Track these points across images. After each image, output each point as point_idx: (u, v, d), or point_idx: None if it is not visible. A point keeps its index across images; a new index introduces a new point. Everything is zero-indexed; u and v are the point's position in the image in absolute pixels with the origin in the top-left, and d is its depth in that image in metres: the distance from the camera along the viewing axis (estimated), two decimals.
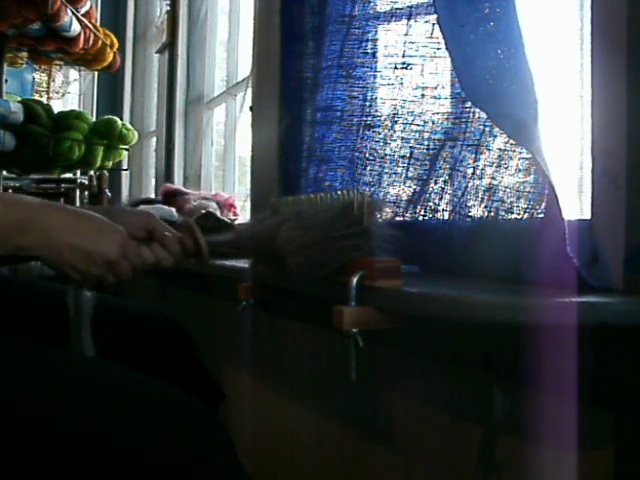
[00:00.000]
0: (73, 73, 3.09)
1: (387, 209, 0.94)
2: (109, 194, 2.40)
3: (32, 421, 0.62)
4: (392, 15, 0.95)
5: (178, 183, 2.37)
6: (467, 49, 0.71)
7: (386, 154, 0.96)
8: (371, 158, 0.98)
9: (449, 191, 0.86)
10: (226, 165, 2.22)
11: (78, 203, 2.39)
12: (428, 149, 0.90)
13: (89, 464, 0.62)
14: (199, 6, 2.41)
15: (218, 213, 1.56)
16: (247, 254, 0.91)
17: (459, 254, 0.83)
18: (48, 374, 0.67)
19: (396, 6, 0.94)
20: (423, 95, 0.91)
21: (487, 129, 0.81)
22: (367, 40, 0.99)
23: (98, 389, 0.67)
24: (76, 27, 2.11)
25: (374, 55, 0.99)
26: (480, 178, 0.82)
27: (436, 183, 0.88)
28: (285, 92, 1.24)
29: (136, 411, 0.66)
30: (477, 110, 0.83)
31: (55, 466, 0.62)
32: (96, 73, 3.12)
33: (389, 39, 0.95)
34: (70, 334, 0.82)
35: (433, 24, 0.89)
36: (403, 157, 0.93)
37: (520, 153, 0.77)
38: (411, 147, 0.92)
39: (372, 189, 0.97)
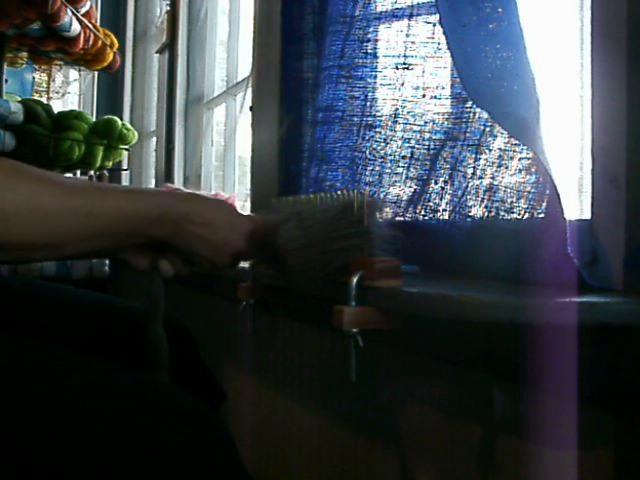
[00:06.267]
0: (73, 73, 3.09)
1: (387, 209, 0.94)
2: None
3: (32, 420, 0.62)
4: (393, 15, 0.95)
5: (178, 183, 2.37)
6: (469, 49, 0.71)
7: (387, 154, 0.96)
8: (372, 158, 0.98)
9: (449, 191, 0.86)
10: (226, 165, 2.22)
11: None
12: (428, 149, 0.90)
13: (87, 463, 0.62)
14: (199, 6, 2.41)
15: None
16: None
17: (459, 254, 0.83)
18: (47, 373, 0.67)
19: (397, 6, 0.94)
20: (424, 95, 0.91)
21: (487, 129, 0.82)
22: (368, 40, 0.99)
23: (98, 387, 0.67)
24: (76, 27, 2.11)
25: (375, 55, 0.99)
26: (480, 178, 0.82)
27: (436, 183, 0.88)
28: (285, 92, 1.24)
29: (136, 410, 0.66)
30: (477, 110, 0.83)
31: (54, 465, 0.62)
32: (96, 73, 3.12)
33: (390, 39, 0.95)
34: (147, 323, 0.84)
35: (434, 24, 0.89)
36: (404, 157, 0.93)
37: (520, 153, 0.77)
38: (411, 147, 0.92)
39: (373, 189, 0.97)
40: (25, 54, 2.42)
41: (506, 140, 0.79)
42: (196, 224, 0.74)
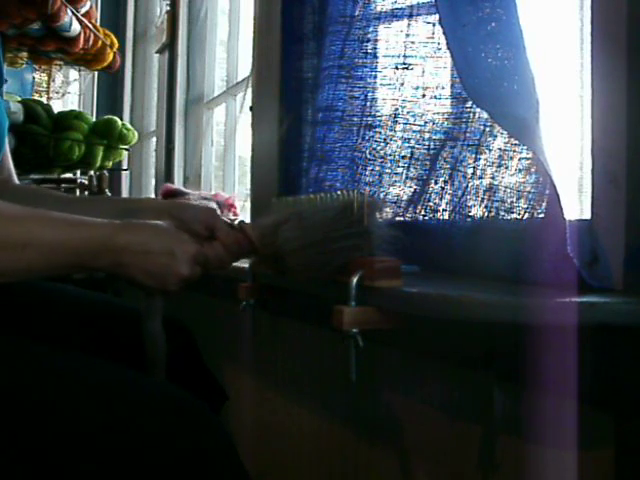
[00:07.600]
0: (73, 73, 3.09)
1: (387, 209, 0.94)
2: (109, 194, 2.40)
3: (32, 420, 0.62)
4: (393, 15, 0.95)
5: (178, 183, 2.36)
6: (469, 49, 0.71)
7: (387, 154, 0.96)
8: (372, 158, 0.98)
9: (449, 191, 0.86)
10: (226, 165, 2.22)
11: None
12: (428, 149, 0.90)
13: (87, 463, 0.62)
14: (199, 6, 2.41)
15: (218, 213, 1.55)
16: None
17: (459, 254, 0.83)
18: (48, 373, 0.67)
19: (397, 6, 0.94)
20: (424, 95, 0.91)
21: (487, 129, 0.82)
22: (368, 40, 0.99)
23: (98, 388, 0.67)
24: (76, 27, 2.11)
25: (375, 55, 0.99)
26: (480, 178, 0.82)
27: (436, 183, 0.88)
28: (285, 92, 1.24)
29: (136, 410, 0.66)
30: (477, 110, 0.83)
31: (54, 466, 0.62)
32: (96, 73, 3.12)
33: (390, 39, 0.95)
34: (143, 332, 0.83)
35: (434, 24, 0.89)
36: (404, 157, 0.93)
37: (520, 153, 0.77)
38: (411, 147, 0.92)
39: (373, 189, 0.97)
40: (25, 54, 2.42)
41: (506, 140, 0.79)
42: (135, 253, 0.71)
